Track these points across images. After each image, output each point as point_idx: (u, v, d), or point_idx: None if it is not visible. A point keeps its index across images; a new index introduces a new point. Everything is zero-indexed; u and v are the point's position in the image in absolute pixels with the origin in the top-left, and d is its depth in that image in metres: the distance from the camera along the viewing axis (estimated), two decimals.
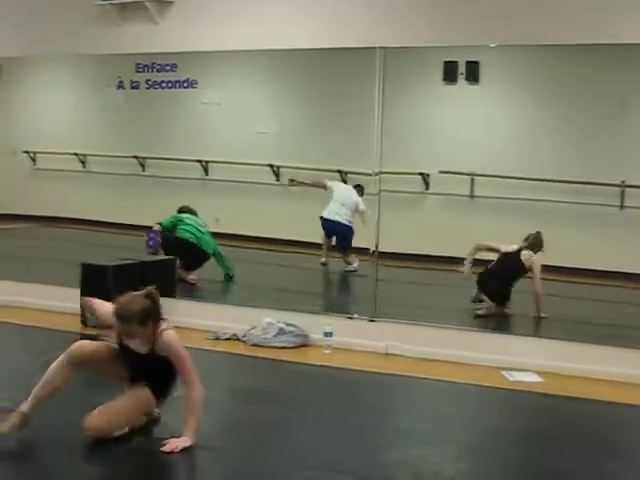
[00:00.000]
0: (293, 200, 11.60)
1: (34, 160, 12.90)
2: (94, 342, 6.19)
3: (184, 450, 5.79)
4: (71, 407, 6.14)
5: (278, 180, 11.95)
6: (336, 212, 11.36)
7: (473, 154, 10.96)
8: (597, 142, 10.49)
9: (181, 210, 11.11)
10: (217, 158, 12.05)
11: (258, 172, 11.80)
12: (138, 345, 5.99)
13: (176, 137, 11.58)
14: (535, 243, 9.63)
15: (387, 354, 8.65)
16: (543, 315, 9.28)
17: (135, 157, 11.52)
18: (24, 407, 5.97)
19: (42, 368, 6.15)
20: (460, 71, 10.67)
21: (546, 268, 9.94)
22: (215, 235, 11.25)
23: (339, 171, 11.62)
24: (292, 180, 11.40)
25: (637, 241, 9.97)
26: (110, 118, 11.20)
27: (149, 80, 11.67)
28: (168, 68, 11.52)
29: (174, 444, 5.83)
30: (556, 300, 9.95)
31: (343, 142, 11.17)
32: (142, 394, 6.12)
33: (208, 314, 9.46)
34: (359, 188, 11.18)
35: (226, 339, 9.02)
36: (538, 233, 9.63)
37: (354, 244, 10.79)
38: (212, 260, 11.05)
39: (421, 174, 11.29)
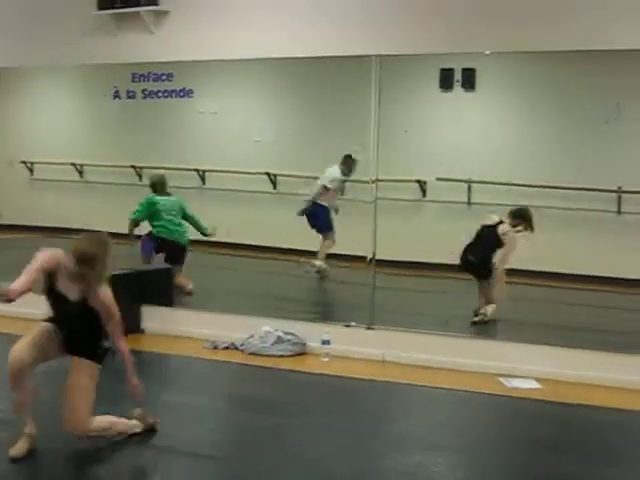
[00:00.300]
0: (290, 208, 11.59)
1: (31, 170, 12.91)
2: (29, 340, 6.05)
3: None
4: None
5: (275, 188, 11.97)
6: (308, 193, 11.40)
7: (470, 161, 10.98)
8: (593, 148, 10.52)
9: (153, 186, 10.93)
10: (214, 167, 12.06)
11: (255, 181, 11.82)
12: (74, 292, 5.94)
13: (173, 146, 11.59)
14: (517, 216, 9.47)
15: (384, 362, 8.65)
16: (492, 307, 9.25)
17: (132, 167, 11.53)
18: (28, 429, 5.98)
19: (39, 378, 6.16)
20: (456, 78, 10.70)
21: (544, 275, 9.98)
22: (212, 244, 11.26)
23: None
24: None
25: (634, 247, 9.98)
26: (107, 128, 11.22)
27: (145, 90, 11.69)
28: (164, 78, 11.53)
29: (137, 390, 6.11)
30: (554, 306, 9.97)
31: (340, 150, 11.18)
32: (86, 367, 6.11)
33: (206, 323, 9.47)
34: (348, 159, 11.15)
35: (224, 348, 9.02)
36: (522, 207, 9.54)
37: (350, 251, 10.71)
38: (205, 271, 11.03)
39: (418, 181, 11.31)
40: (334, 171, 11.33)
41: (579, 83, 10.04)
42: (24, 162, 12.81)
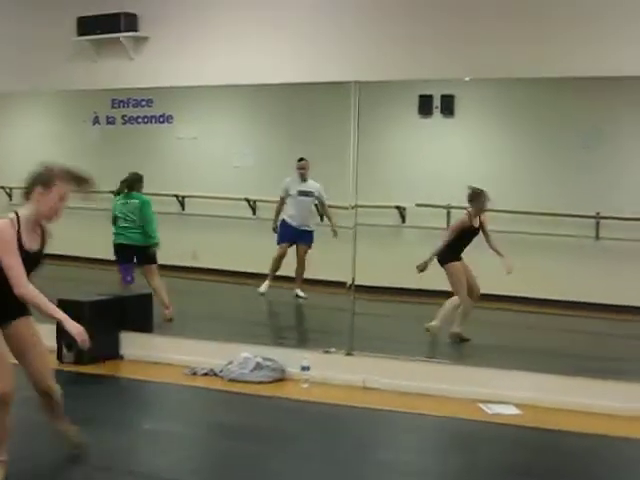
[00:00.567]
0: (270, 234, 11.59)
1: (10, 196, 12.84)
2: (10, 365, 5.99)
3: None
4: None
5: (255, 214, 11.96)
6: None
7: (449, 187, 10.99)
8: (572, 174, 10.55)
9: (125, 183, 10.98)
10: (194, 193, 12.05)
11: (234, 206, 11.81)
12: (36, 243, 5.97)
13: (152, 172, 11.54)
14: (470, 199, 9.73)
15: (365, 388, 8.64)
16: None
17: (112, 192, 11.47)
18: (4, 456, 5.94)
19: (21, 404, 6.13)
20: (435, 104, 10.73)
21: (522, 300, 10.01)
22: (192, 270, 11.22)
23: (315, 205, 11.64)
24: None
25: (612, 272, 10.02)
26: (86, 153, 11.18)
27: (125, 115, 11.67)
28: (144, 103, 11.52)
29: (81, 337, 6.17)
30: (532, 332, 9.99)
31: (319, 176, 11.21)
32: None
33: (185, 349, 9.44)
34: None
35: (203, 374, 9.00)
36: (471, 189, 9.70)
37: (329, 277, 10.67)
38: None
39: (397, 207, 11.33)
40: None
41: (558, 109, 10.09)
42: (3, 187, 12.75)
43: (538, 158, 10.78)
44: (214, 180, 11.94)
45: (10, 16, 11.16)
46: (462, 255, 9.85)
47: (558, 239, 10.48)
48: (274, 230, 11.56)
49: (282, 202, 11.61)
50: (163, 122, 11.57)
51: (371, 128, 9.43)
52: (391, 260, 10.76)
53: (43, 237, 5.97)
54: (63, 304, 9.45)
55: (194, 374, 9.02)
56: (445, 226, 10.83)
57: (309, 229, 11.60)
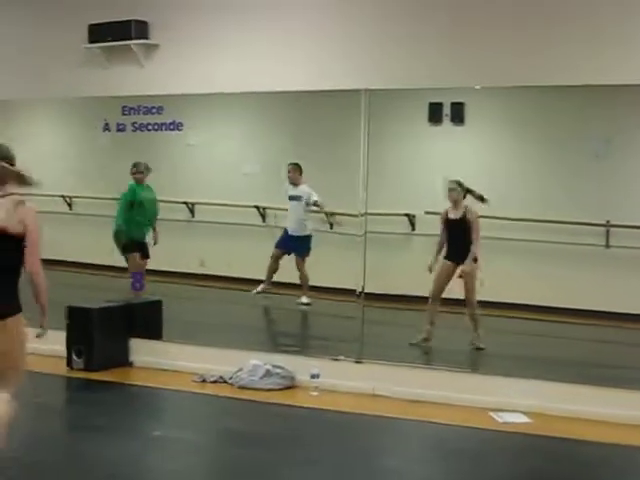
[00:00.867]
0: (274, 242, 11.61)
1: None
2: None
3: None
4: None
5: (264, 221, 11.96)
6: None
7: None
8: (582, 181, 10.54)
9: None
10: (203, 200, 12.05)
11: (244, 213, 11.81)
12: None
13: (162, 179, 11.56)
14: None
15: (374, 395, 8.62)
16: None
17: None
18: None
19: (31, 411, 6.13)
20: (445, 112, 10.72)
21: (532, 308, 9.98)
22: (202, 277, 11.21)
23: (325, 213, 11.64)
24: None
25: (622, 280, 10.00)
26: (96, 160, 11.23)
27: (135, 123, 11.69)
28: (154, 111, 11.54)
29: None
30: (542, 340, 9.96)
31: (329, 183, 11.20)
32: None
33: (194, 356, 9.43)
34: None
35: (213, 381, 8.99)
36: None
37: (339, 285, 10.68)
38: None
39: (407, 215, 11.32)
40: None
41: (568, 117, 10.08)
42: (12, 194, 12.79)
43: (548, 166, 10.76)
44: (224, 187, 11.95)
45: (21, 24, 11.22)
46: (455, 254, 9.78)
47: (568, 247, 10.46)
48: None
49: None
50: (173, 129, 11.58)
51: (381, 136, 9.42)
52: (401, 268, 10.75)
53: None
54: (72, 311, 9.55)
55: (203, 381, 9.00)
56: None
57: (301, 235, 11.55)
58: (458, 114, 10.73)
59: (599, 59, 8.38)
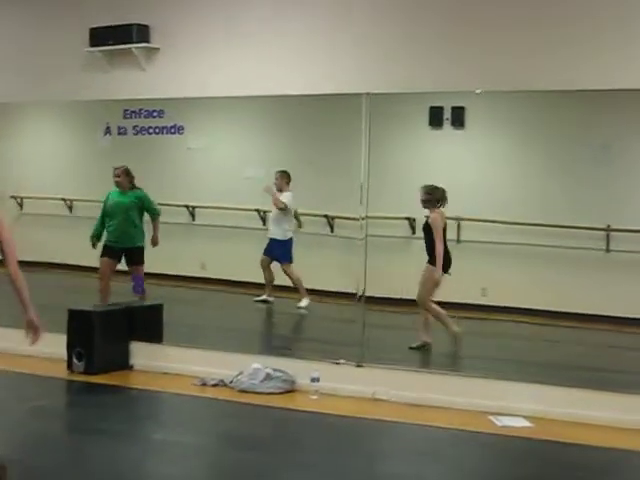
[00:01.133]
0: None
1: (21, 205, 12.89)
2: None
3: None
4: None
5: (265, 225, 11.96)
6: None
7: (459, 198, 10.96)
8: (583, 186, 10.53)
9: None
10: (204, 203, 12.06)
11: (245, 217, 11.81)
12: None
13: (163, 182, 11.57)
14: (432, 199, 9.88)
15: (375, 399, 8.62)
16: None
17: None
18: None
19: (32, 414, 6.14)
20: (446, 116, 10.72)
21: (532, 312, 9.98)
22: (202, 280, 11.21)
23: (326, 216, 11.63)
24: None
25: (623, 285, 9.99)
26: (97, 163, 11.22)
27: (136, 126, 11.69)
28: (155, 114, 11.54)
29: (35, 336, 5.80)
30: (542, 344, 9.97)
31: (330, 187, 11.19)
32: None
33: (195, 360, 9.43)
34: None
35: (213, 385, 8.99)
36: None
37: (339, 288, 10.68)
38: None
39: (407, 218, 11.31)
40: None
41: (569, 122, 10.08)
42: (14, 197, 12.79)
43: (548, 170, 10.76)
44: (224, 191, 11.94)
45: (23, 27, 11.24)
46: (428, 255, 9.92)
47: (568, 251, 10.45)
48: None
49: None
50: (174, 133, 11.59)
51: (381, 139, 9.43)
52: (401, 271, 10.75)
53: None
54: (73, 314, 9.55)
55: (204, 385, 9.01)
56: (455, 237, 10.83)
57: (282, 239, 11.57)
58: (459, 118, 10.73)
59: (600, 63, 8.38)
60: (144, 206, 10.81)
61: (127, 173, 10.78)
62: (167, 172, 11.87)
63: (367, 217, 9.24)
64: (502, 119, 10.75)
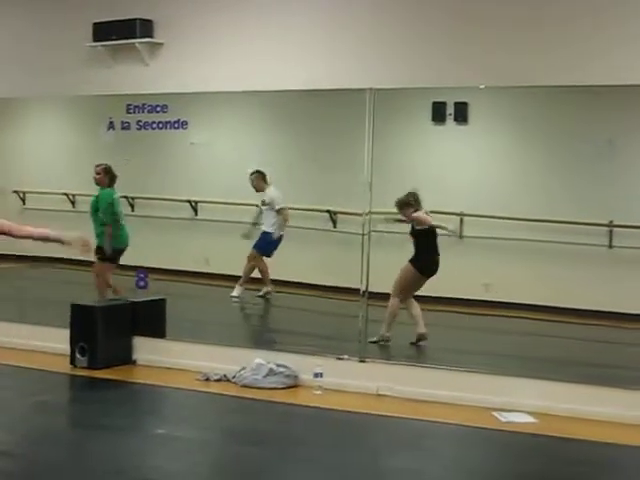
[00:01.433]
0: (283, 240, 11.60)
1: (23, 200, 12.90)
2: None
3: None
4: None
5: None
6: None
7: (462, 194, 10.99)
8: (585, 182, 10.54)
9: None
10: (207, 198, 12.06)
11: (248, 212, 11.82)
12: None
13: (166, 177, 11.59)
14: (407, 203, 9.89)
15: (378, 395, 8.62)
16: None
17: (125, 197, 11.52)
18: None
19: (35, 409, 6.15)
20: (449, 112, 10.72)
21: (535, 308, 9.98)
22: (205, 275, 11.22)
23: (328, 211, 11.63)
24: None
25: (625, 280, 9.99)
26: (100, 159, 11.19)
27: (140, 121, 11.69)
28: (159, 109, 11.54)
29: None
30: (545, 340, 9.97)
31: (333, 182, 11.19)
32: None
33: (198, 355, 9.43)
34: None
35: (216, 380, 8.99)
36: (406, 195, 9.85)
37: (342, 284, 10.68)
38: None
39: None
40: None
41: (572, 117, 10.07)
42: (16, 192, 12.80)
43: (551, 166, 10.76)
44: (227, 186, 11.95)
45: (26, 22, 11.23)
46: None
47: (571, 247, 10.45)
48: None
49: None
50: (178, 128, 11.59)
51: (384, 135, 9.43)
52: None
53: None
54: (76, 309, 9.56)
55: (207, 380, 9.01)
56: (458, 233, 10.84)
57: (263, 229, 11.74)
58: (462, 113, 10.72)
59: (603, 59, 8.38)
60: (98, 206, 10.68)
61: (107, 171, 10.67)
62: (170, 167, 11.88)
63: (370, 212, 9.23)
64: (505, 115, 10.75)
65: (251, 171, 11.55)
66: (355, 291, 9.32)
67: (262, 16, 9.88)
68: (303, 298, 11.55)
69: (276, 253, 11.54)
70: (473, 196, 10.93)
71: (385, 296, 9.81)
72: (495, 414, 7.95)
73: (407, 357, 9.16)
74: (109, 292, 10.58)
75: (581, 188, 10.57)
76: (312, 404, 8.30)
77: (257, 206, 11.82)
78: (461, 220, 11.06)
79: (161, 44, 10.44)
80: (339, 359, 9.04)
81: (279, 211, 11.63)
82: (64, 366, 9.35)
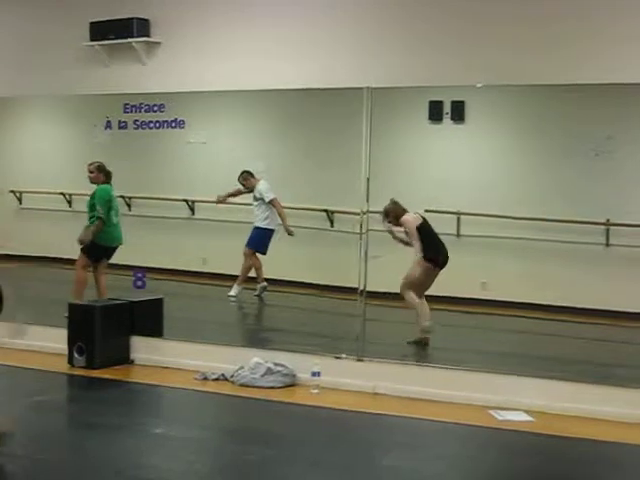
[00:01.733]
0: (279, 240, 11.60)
1: (20, 200, 12.89)
2: None
3: None
4: None
5: None
6: None
7: (459, 193, 10.99)
8: (582, 180, 10.54)
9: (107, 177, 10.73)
10: (204, 197, 12.06)
11: (245, 212, 11.82)
12: None
13: (163, 177, 11.58)
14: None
15: (375, 394, 8.63)
16: None
17: (121, 197, 11.53)
18: None
19: (32, 409, 6.15)
20: (446, 110, 10.73)
21: (532, 306, 9.99)
22: (202, 275, 11.22)
23: (326, 210, 11.63)
24: None
25: (622, 279, 10.01)
26: (97, 158, 11.18)
27: (137, 120, 11.69)
28: (156, 108, 11.55)
29: None
30: (542, 338, 9.98)
31: (331, 181, 11.19)
32: None
33: (196, 354, 9.44)
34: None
35: (214, 379, 9.00)
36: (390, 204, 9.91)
37: (340, 283, 10.68)
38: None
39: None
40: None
41: (569, 116, 10.09)
42: (13, 191, 12.79)
43: (548, 165, 10.76)
44: (225, 185, 11.94)
45: (23, 21, 11.23)
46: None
47: (568, 246, 10.46)
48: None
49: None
50: (175, 127, 11.59)
51: (382, 134, 9.43)
52: (401, 266, 10.75)
53: None
54: (74, 308, 9.56)
55: (205, 379, 9.01)
56: (455, 232, 10.84)
57: (255, 225, 11.76)
58: (458, 112, 10.73)
59: (600, 58, 8.39)
60: (94, 202, 10.64)
61: (100, 169, 10.66)
62: (168, 166, 11.88)
63: (368, 211, 9.24)
64: (502, 113, 10.75)
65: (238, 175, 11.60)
66: (353, 290, 9.32)
67: (260, 16, 9.88)
68: (301, 297, 11.55)
69: (274, 252, 11.54)
70: (470, 195, 10.93)
71: (383, 295, 9.83)
72: (492, 412, 7.97)
73: (404, 356, 9.17)
74: (84, 291, 10.50)
75: (578, 186, 10.57)
76: (310, 403, 8.31)
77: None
78: (458, 219, 11.07)
79: (158, 43, 10.44)
80: (337, 358, 9.05)
81: (271, 202, 11.62)
82: (62, 366, 9.35)
